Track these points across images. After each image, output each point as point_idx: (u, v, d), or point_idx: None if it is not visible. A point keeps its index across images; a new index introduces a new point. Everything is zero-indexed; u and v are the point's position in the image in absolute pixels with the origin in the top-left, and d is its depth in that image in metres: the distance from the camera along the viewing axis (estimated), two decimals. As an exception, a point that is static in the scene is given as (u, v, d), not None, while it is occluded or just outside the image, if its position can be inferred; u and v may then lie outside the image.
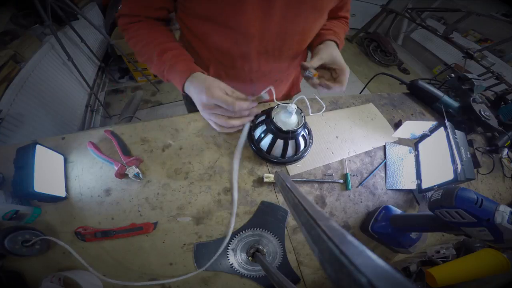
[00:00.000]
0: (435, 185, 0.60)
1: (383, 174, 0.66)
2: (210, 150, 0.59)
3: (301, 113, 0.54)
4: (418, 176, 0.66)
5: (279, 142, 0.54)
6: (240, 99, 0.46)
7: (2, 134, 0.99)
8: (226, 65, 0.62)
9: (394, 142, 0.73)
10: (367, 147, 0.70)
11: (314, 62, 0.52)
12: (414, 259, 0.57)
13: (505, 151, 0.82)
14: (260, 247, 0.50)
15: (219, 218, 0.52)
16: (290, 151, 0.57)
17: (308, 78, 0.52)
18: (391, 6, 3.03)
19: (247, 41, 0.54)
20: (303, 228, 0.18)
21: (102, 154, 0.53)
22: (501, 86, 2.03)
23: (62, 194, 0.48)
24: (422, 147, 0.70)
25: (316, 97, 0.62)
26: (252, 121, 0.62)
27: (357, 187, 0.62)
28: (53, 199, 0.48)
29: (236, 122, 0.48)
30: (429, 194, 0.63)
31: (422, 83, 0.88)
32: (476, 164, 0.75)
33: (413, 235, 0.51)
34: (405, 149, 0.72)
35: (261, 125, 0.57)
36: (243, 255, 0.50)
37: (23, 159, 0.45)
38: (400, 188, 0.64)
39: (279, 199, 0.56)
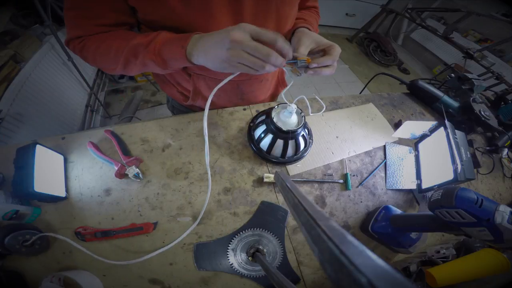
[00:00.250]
0: (435, 185, 0.60)
1: (383, 174, 0.66)
2: (210, 150, 0.59)
3: (301, 113, 0.54)
4: (418, 176, 0.66)
5: (279, 142, 0.54)
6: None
7: (2, 134, 0.99)
8: (208, 75, 0.58)
9: (394, 142, 0.73)
10: (367, 147, 0.70)
11: (301, 51, 0.46)
12: (414, 259, 0.57)
13: (505, 151, 0.82)
14: (260, 247, 0.50)
15: (219, 218, 0.52)
16: (290, 151, 0.57)
17: (302, 68, 0.46)
18: (391, 6, 3.03)
19: None
20: (303, 228, 0.18)
21: (102, 154, 0.53)
22: (501, 86, 2.03)
23: (62, 194, 0.49)
24: (422, 147, 0.70)
25: (316, 97, 0.62)
26: (252, 121, 0.62)
27: (357, 187, 0.62)
28: (53, 199, 0.48)
29: (267, 64, 0.38)
30: (429, 194, 0.63)
31: (422, 83, 0.88)
32: (476, 164, 0.75)
33: (413, 235, 0.51)
34: (405, 149, 0.72)
35: (261, 125, 0.57)
36: (243, 255, 0.50)
37: (23, 159, 0.45)
38: (400, 188, 0.64)
39: (279, 199, 0.56)
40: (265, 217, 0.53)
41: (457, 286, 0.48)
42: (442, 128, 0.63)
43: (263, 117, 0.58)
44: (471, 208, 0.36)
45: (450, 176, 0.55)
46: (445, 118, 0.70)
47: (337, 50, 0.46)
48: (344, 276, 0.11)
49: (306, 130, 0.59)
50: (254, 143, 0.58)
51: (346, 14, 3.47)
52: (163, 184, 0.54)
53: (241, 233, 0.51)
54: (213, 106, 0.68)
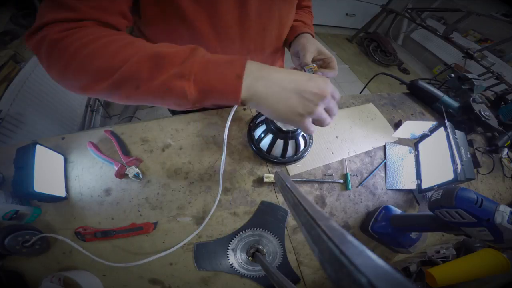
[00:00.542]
0: (435, 185, 0.60)
1: (383, 174, 0.66)
2: (210, 150, 0.59)
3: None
4: (418, 176, 0.66)
5: (279, 142, 0.54)
6: None
7: (2, 134, 0.99)
8: None
9: (394, 142, 0.73)
10: (367, 147, 0.70)
11: (308, 58, 0.51)
12: (414, 259, 0.57)
13: (505, 151, 0.82)
14: (260, 247, 0.50)
15: (219, 218, 0.52)
16: (290, 151, 0.57)
17: None
18: (391, 6, 3.03)
19: (228, 47, 0.52)
20: (303, 228, 0.18)
21: (102, 154, 0.53)
22: (501, 86, 2.03)
23: (62, 194, 0.48)
24: (422, 147, 0.70)
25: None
26: (252, 121, 0.62)
27: (357, 187, 0.62)
28: (53, 199, 0.48)
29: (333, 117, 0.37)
30: (429, 194, 0.63)
31: (422, 83, 0.88)
32: (476, 164, 0.75)
33: (413, 235, 0.51)
34: (405, 149, 0.72)
35: (261, 125, 0.57)
36: (243, 255, 0.50)
37: (23, 159, 0.45)
38: (400, 188, 0.64)
39: (279, 199, 0.56)
40: (265, 217, 0.53)
41: (457, 286, 0.48)
42: (442, 128, 0.63)
43: (263, 117, 0.58)
44: (471, 208, 0.36)
45: (450, 176, 0.55)
46: (445, 118, 0.70)
47: (336, 63, 0.51)
48: (344, 276, 0.11)
49: (306, 130, 0.59)
50: (254, 143, 0.58)
51: (346, 14, 3.47)
52: (163, 184, 0.54)
53: (241, 233, 0.51)
54: (215, 106, 0.68)
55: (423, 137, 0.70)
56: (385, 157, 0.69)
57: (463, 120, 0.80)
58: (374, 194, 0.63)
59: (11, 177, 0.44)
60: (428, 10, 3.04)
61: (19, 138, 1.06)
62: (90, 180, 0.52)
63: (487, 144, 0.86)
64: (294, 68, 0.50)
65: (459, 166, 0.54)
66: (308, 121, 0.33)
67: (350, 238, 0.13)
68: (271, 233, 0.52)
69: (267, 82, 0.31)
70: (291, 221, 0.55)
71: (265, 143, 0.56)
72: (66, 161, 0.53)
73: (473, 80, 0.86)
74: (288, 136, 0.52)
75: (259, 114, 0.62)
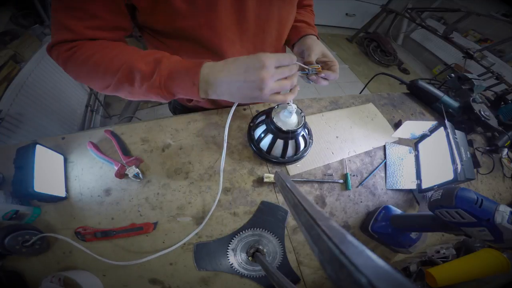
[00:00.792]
0: (435, 185, 0.60)
1: (383, 174, 0.66)
2: (210, 150, 0.59)
3: (301, 113, 0.54)
4: (418, 176, 0.66)
5: (279, 142, 0.54)
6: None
7: (2, 134, 0.99)
8: None
9: (394, 142, 0.73)
10: (367, 147, 0.70)
11: (313, 58, 0.51)
12: (414, 259, 0.57)
13: (505, 151, 0.82)
14: (260, 247, 0.50)
15: (219, 218, 0.52)
16: (290, 151, 0.57)
17: (311, 75, 0.51)
18: (391, 6, 3.03)
19: (228, 48, 0.52)
20: (303, 228, 0.18)
21: (102, 154, 0.53)
22: (501, 86, 2.03)
23: (62, 194, 0.48)
24: (422, 147, 0.70)
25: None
26: (252, 121, 0.62)
27: (357, 187, 0.62)
28: (53, 199, 0.48)
29: (294, 79, 0.41)
30: (429, 194, 0.63)
31: (422, 83, 0.88)
32: (476, 164, 0.75)
33: (413, 235, 0.51)
34: (405, 149, 0.72)
35: (261, 125, 0.57)
36: (243, 255, 0.50)
37: (23, 159, 0.45)
38: (400, 188, 0.64)
39: (279, 199, 0.56)
40: (265, 217, 0.53)
41: (457, 286, 0.48)
42: (442, 128, 0.63)
43: (263, 117, 0.58)
44: (471, 208, 0.36)
45: (450, 176, 0.55)
46: (445, 118, 0.70)
47: (338, 67, 0.51)
48: (344, 276, 0.11)
49: (306, 130, 0.59)
50: (254, 143, 0.58)
51: (346, 14, 3.48)
52: (163, 184, 0.54)
53: (241, 233, 0.51)
54: (217, 106, 0.68)
55: (423, 137, 0.70)
56: (385, 157, 0.69)
57: (463, 120, 0.80)
58: (374, 194, 0.63)
59: (11, 177, 0.44)
60: (428, 10, 3.04)
61: (19, 138, 1.06)
62: (90, 180, 0.52)
63: (487, 144, 0.86)
64: None
65: (459, 166, 0.54)
66: (267, 96, 0.38)
67: (350, 238, 0.13)
68: (271, 233, 0.52)
69: (216, 85, 0.38)
70: (291, 221, 0.55)
71: (265, 143, 0.56)
72: (66, 161, 0.53)
73: (473, 80, 0.86)
74: (288, 136, 0.52)
75: (259, 114, 0.62)
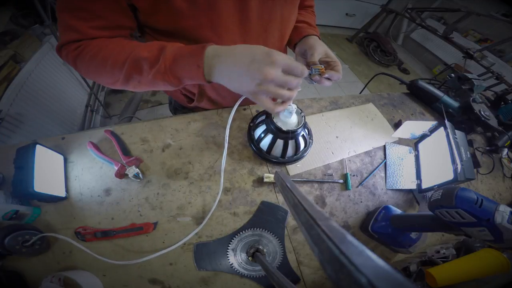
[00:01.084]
0: (435, 185, 0.60)
1: (383, 174, 0.66)
2: (210, 150, 0.59)
3: (301, 113, 0.54)
4: (418, 176, 0.66)
5: (279, 142, 0.54)
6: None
7: (2, 134, 0.99)
8: None
9: (394, 142, 0.73)
10: (367, 147, 0.70)
11: (316, 57, 0.50)
12: (414, 259, 0.57)
13: (505, 151, 0.82)
14: (260, 247, 0.50)
15: (219, 218, 0.52)
16: (290, 151, 0.57)
17: (314, 75, 0.50)
18: (391, 6, 3.03)
19: None
20: (303, 228, 0.18)
21: (102, 154, 0.53)
22: (501, 86, 2.03)
23: (62, 194, 0.49)
24: (422, 147, 0.70)
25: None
26: (252, 121, 0.62)
27: (357, 187, 0.62)
28: (53, 199, 0.48)
29: (294, 94, 0.40)
30: (429, 194, 0.63)
31: (422, 83, 0.88)
32: (476, 164, 0.75)
33: (413, 235, 0.51)
34: (405, 149, 0.72)
35: (261, 125, 0.57)
36: (243, 255, 0.50)
37: (23, 159, 0.45)
38: (400, 188, 0.64)
39: (279, 199, 0.56)
40: (265, 217, 0.53)
41: (457, 286, 0.48)
42: (442, 128, 0.63)
43: (263, 117, 0.58)
44: (471, 208, 0.36)
45: (450, 176, 0.55)
46: (445, 118, 0.70)
47: (340, 67, 0.50)
48: (344, 276, 0.11)
49: (306, 130, 0.59)
50: (254, 143, 0.58)
51: (346, 14, 3.47)
52: (163, 184, 0.54)
53: (241, 233, 0.51)
54: (217, 106, 0.68)
55: (423, 137, 0.70)
56: (385, 157, 0.69)
57: (463, 120, 0.80)
58: (374, 194, 0.63)
59: (11, 177, 0.44)
60: (428, 10, 3.04)
61: (19, 138, 1.06)
62: (90, 180, 0.52)
63: (487, 144, 0.86)
64: None
65: (459, 166, 0.54)
66: (262, 96, 0.38)
67: (350, 238, 0.13)
68: (271, 233, 0.52)
69: (224, 69, 0.37)
70: (291, 221, 0.55)
71: (265, 143, 0.56)
72: (66, 161, 0.53)
73: (473, 80, 0.86)
74: (288, 136, 0.52)
75: (259, 114, 0.62)
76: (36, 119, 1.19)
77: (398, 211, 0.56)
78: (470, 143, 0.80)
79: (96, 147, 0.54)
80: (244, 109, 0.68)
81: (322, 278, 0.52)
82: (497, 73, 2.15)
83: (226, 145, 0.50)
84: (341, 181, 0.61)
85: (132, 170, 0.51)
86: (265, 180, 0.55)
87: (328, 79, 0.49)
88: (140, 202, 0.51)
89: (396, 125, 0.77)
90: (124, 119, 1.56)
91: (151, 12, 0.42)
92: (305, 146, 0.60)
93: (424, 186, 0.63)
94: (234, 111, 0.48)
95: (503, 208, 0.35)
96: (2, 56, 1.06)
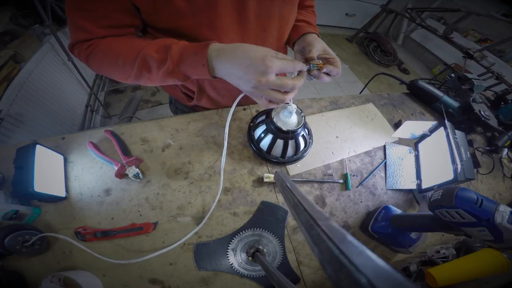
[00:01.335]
0: (435, 185, 0.60)
1: (383, 174, 0.66)
2: (210, 150, 0.59)
3: (301, 113, 0.54)
4: (418, 176, 0.66)
5: (279, 142, 0.54)
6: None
7: (2, 134, 0.99)
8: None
9: (394, 142, 0.73)
10: (367, 147, 0.70)
11: (314, 53, 0.49)
12: (414, 259, 0.57)
13: (505, 151, 0.82)
14: (260, 247, 0.50)
15: (219, 218, 0.52)
16: (290, 151, 0.57)
17: (312, 70, 0.50)
18: (391, 6, 3.03)
19: None
20: (303, 228, 0.18)
21: (102, 154, 0.53)
22: (501, 86, 2.03)
23: (62, 194, 0.49)
24: (422, 147, 0.70)
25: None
26: (252, 121, 0.62)
27: (357, 187, 0.62)
28: (53, 199, 0.48)
29: (289, 96, 0.41)
30: (429, 194, 0.63)
31: (422, 83, 0.88)
32: (476, 164, 0.75)
33: (413, 235, 0.51)
34: (405, 149, 0.72)
35: (261, 125, 0.57)
36: (243, 255, 0.50)
37: (23, 159, 0.45)
38: (400, 188, 0.64)
39: (279, 199, 0.56)
40: (265, 217, 0.53)
41: (457, 286, 0.48)
42: (442, 128, 0.63)
43: (263, 117, 0.58)
44: (471, 208, 0.36)
45: (450, 176, 0.55)
46: (445, 118, 0.70)
47: (340, 64, 0.50)
48: (344, 276, 0.11)
49: (306, 130, 0.59)
50: (254, 143, 0.58)
51: (346, 14, 3.48)
52: (163, 184, 0.54)
53: (241, 233, 0.51)
54: (217, 106, 0.68)
55: (423, 137, 0.70)
56: (385, 157, 0.69)
57: (463, 120, 0.80)
58: (374, 194, 0.63)
59: (11, 177, 0.44)
60: (428, 10, 3.04)
61: (19, 138, 1.06)
62: (90, 180, 0.52)
63: (487, 144, 0.86)
64: None
65: (459, 166, 0.54)
66: (259, 97, 0.41)
67: (350, 238, 0.13)
68: (271, 233, 0.52)
69: (219, 67, 0.39)
70: (291, 221, 0.55)
71: (265, 143, 0.56)
72: (66, 161, 0.53)
73: (473, 80, 0.86)
74: (288, 136, 0.52)
75: (259, 114, 0.62)
76: (36, 119, 1.19)
77: (398, 211, 0.56)
78: (470, 143, 0.80)
79: (96, 147, 0.53)
80: (244, 109, 0.68)
81: (322, 278, 0.52)
82: (497, 73, 2.14)
83: (225, 144, 0.50)
84: (341, 181, 0.61)
85: (132, 170, 0.51)
86: (265, 180, 0.55)
87: (327, 74, 0.48)
88: (140, 202, 0.51)
89: (396, 125, 0.77)
90: (124, 119, 1.56)
91: (151, 11, 0.43)
92: (305, 146, 0.60)
93: (424, 186, 0.63)
94: (233, 109, 0.48)
95: (503, 208, 0.35)
96: (2, 56, 1.06)
